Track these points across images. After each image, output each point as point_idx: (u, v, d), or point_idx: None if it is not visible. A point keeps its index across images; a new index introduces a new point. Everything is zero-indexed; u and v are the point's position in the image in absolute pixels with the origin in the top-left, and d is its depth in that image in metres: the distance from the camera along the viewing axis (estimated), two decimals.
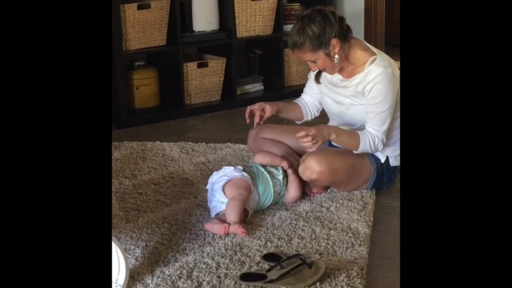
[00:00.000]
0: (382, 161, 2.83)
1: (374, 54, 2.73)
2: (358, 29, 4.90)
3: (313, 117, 3.07)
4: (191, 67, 4.29)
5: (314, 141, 2.60)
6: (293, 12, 4.71)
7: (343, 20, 2.69)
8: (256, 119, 2.92)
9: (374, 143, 2.69)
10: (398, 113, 2.76)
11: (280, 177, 2.75)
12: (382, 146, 2.72)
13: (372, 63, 2.69)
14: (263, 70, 4.74)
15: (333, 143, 2.84)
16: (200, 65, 4.33)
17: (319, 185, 2.82)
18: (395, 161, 2.85)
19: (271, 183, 2.70)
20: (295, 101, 3.09)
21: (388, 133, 2.75)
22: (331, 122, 2.94)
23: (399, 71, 2.75)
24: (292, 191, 2.75)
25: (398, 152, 2.84)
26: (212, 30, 4.35)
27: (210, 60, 4.39)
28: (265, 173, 2.73)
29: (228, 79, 4.45)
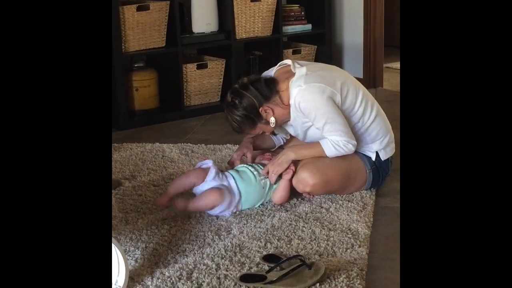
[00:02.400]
0: (374, 158, 2.83)
1: (293, 75, 2.73)
2: (357, 31, 4.91)
3: (284, 141, 3.07)
4: (190, 69, 4.29)
5: (275, 171, 2.72)
6: (292, 13, 4.71)
7: (258, 82, 2.72)
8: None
9: (338, 145, 2.68)
10: (365, 110, 2.76)
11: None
12: (353, 146, 2.69)
13: (291, 87, 2.70)
14: (262, 71, 4.67)
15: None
16: (199, 67, 4.33)
17: (315, 195, 2.82)
18: (385, 154, 2.85)
19: (252, 178, 2.73)
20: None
21: (364, 131, 2.78)
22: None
23: (327, 71, 2.77)
24: (278, 191, 2.76)
25: (385, 143, 2.84)
26: (211, 32, 4.35)
27: (210, 62, 4.38)
28: (247, 170, 2.76)
29: (228, 80, 4.44)
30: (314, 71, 2.74)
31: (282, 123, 2.83)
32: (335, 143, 2.68)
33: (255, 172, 2.77)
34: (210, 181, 2.69)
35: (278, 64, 2.86)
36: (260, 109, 2.69)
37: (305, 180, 2.71)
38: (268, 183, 2.75)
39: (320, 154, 2.73)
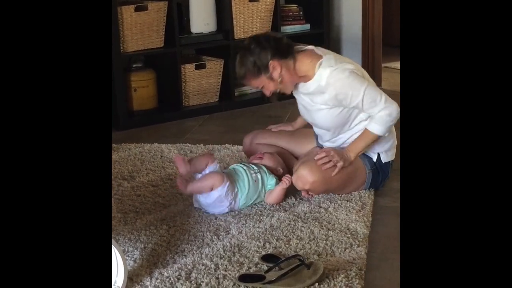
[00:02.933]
0: (374, 159, 2.83)
1: (320, 58, 2.73)
2: (355, 30, 4.91)
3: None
4: (189, 69, 4.28)
5: (334, 161, 2.72)
6: (291, 13, 4.71)
7: (279, 40, 2.74)
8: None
9: (386, 117, 2.66)
10: None
11: (255, 167, 2.81)
12: (396, 110, 2.66)
13: (319, 67, 2.70)
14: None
15: (323, 144, 2.91)
16: (198, 67, 4.33)
17: (315, 193, 2.82)
18: (386, 157, 2.85)
19: (245, 175, 2.75)
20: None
21: None
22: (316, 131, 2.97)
23: (352, 63, 2.78)
24: (272, 196, 2.77)
25: (388, 146, 2.84)
26: (209, 32, 4.35)
27: (208, 62, 4.38)
28: (238, 167, 2.79)
29: (226, 80, 4.44)
30: (342, 57, 2.81)
31: (282, 89, 2.77)
32: (380, 119, 2.66)
33: (245, 167, 2.79)
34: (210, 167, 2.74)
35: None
36: (270, 62, 2.67)
37: (305, 177, 2.71)
38: (259, 177, 2.77)
39: (374, 140, 2.73)
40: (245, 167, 2.80)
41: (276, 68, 2.68)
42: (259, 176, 2.77)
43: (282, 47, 2.71)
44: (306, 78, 2.73)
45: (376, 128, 2.69)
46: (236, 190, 2.70)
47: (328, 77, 2.66)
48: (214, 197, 2.65)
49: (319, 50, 2.78)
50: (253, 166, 2.83)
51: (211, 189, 2.65)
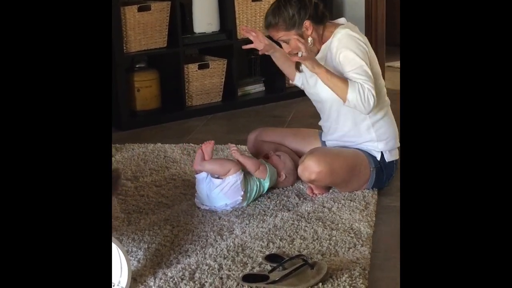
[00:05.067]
0: (378, 158, 2.83)
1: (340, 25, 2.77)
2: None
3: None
4: (192, 69, 4.29)
5: (302, 48, 2.61)
6: None
7: (318, 5, 2.77)
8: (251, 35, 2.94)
9: (364, 91, 2.58)
10: (382, 101, 2.78)
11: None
12: (373, 101, 2.59)
13: (337, 28, 2.74)
14: (264, 71, 4.73)
15: (324, 139, 2.90)
16: (201, 67, 4.33)
17: (319, 186, 2.82)
18: (390, 156, 2.85)
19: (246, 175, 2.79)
20: None
21: (372, 124, 2.79)
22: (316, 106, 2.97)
23: (369, 46, 2.77)
24: (250, 169, 2.80)
25: (391, 145, 2.84)
26: (212, 32, 4.35)
27: (211, 62, 4.38)
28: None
29: (229, 80, 4.44)
30: (363, 35, 2.80)
31: (306, 51, 2.69)
32: (361, 87, 2.59)
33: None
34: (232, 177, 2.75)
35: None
36: (306, 22, 2.70)
37: (311, 167, 2.71)
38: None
39: (341, 90, 2.62)
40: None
41: (308, 29, 2.72)
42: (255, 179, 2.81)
43: (319, 12, 2.75)
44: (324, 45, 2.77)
45: (351, 94, 2.59)
46: (243, 191, 2.72)
47: (342, 34, 2.69)
48: (230, 184, 2.67)
49: (346, 22, 2.82)
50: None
51: (227, 174, 2.67)
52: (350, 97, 2.59)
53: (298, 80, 3.00)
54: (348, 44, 2.67)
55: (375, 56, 2.83)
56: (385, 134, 2.82)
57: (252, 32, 2.91)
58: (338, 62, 2.68)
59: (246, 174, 2.77)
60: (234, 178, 2.68)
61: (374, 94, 2.60)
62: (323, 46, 2.77)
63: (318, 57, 2.75)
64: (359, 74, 2.62)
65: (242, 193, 2.69)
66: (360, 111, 2.65)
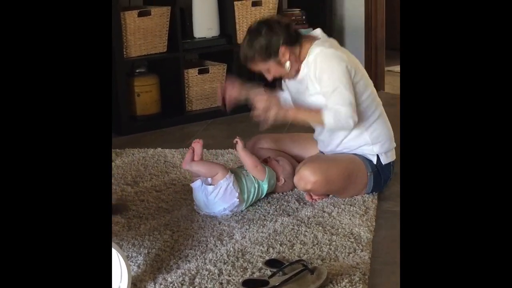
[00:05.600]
0: (375, 162, 2.83)
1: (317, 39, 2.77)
2: (358, 33, 4.91)
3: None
4: (192, 73, 4.29)
5: (270, 115, 2.66)
6: (293, 18, 4.71)
7: (289, 26, 2.77)
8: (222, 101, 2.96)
9: (339, 117, 2.63)
10: (370, 105, 2.79)
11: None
12: (353, 123, 2.65)
13: (311, 46, 2.73)
14: (263, 76, 4.72)
15: (322, 150, 2.91)
16: (201, 71, 4.33)
17: (316, 194, 2.82)
18: (386, 159, 2.85)
19: (239, 173, 2.80)
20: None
21: (366, 129, 2.78)
22: None
23: (347, 54, 2.78)
24: (248, 167, 2.81)
25: (386, 147, 2.84)
26: (212, 36, 4.35)
27: (211, 66, 4.39)
28: (235, 169, 2.86)
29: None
30: (338, 46, 2.82)
31: (286, 75, 2.81)
32: (337, 114, 2.64)
33: (238, 167, 2.87)
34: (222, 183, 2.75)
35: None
36: (281, 48, 2.69)
37: (307, 177, 2.71)
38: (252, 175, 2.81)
39: (317, 122, 2.71)
40: (237, 167, 2.89)
41: (285, 54, 2.71)
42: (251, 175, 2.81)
43: (292, 34, 2.74)
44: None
45: (328, 119, 2.65)
46: (237, 195, 2.72)
47: (317, 53, 2.69)
48: (223, 188, 2.67)
49: (322, 34, 2.81)
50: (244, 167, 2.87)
51: (213, 176, 2.68)
52: (328, 123, 2.68)
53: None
54: (323, 64, 2.67)
55: (357, 61, 2.85)
56: (380, 137, 2.82)
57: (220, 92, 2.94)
58: (316, 82, 2.70)
59: (242, 176, 2.78)
60: (225, 182, 2.68)
61: (352, 114, 2.64)
62: (302, 65, 2.76)
63: (298, 77, 2.78)
64: (333, 99, 2.64)
65: (237, 194, 2.69)
66: (345, 130, 2.72)
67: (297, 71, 2.77)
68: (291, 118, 2.74)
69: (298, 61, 2.75)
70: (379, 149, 2.82)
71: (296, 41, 2.74)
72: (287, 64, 2.72)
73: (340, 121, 2.65)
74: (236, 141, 2.83)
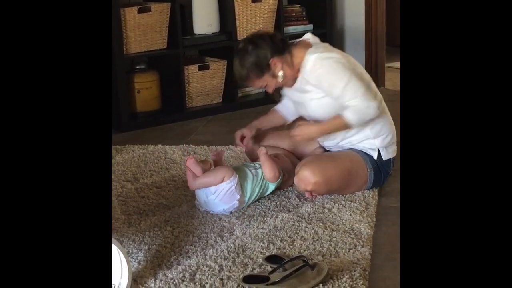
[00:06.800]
0: (375, 157, 2.83)
1: (310, 46, 2.77)
2: (358, 30, 4.91)
3: (296, 116, 3.06)
4: (192, 70, 4.29)
5: (302, 137, 2.81)
6: (294, 14, 4.71)
7: (274, 36, 2.79)
8: (243, 148, 3.07)
9: (358, 108, 2.65)
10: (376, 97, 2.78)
11: (256, 164, 2.85)
12: (374, 108, 2.67)
13: (306, 55, 2.73)
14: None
15: (325, 145, 2.92)
16: (201, 68, 4.33)
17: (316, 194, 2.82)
18: (386, 154, 2.85)
19: (245, 169, 2.79)
20: (274, 108, 3.13)
21: (371, 121, 2.77)
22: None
23: (342, 54, 2.80)
24: (266, 173, 2.78)
25: (388, 141, 2.84)
26: (212, 33, 4.35)
27: (211, 63, 4.39)
28: (240, 166, 2.84)
29: (230, 81, 4.44)
30: (332, 48, 2.83)
31: (285, 85, 2.83)
32: (355, 108, 2.65)
33: (245, 164, 2.86)
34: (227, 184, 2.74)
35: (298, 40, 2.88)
36: (271, 61, 2.71)
37: (307, 178, 2.71)
38: (259, 172, 2.79)
39: (342, 126, 2.72)
40: (244, 164, 2.87)
41: (277, 65, 2.72)
42: (259, 172, 2.79)
43: (278, 43, 2.75)
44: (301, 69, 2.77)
45: (350, 116, 2.67)
46: (240, 193, 2.71)
47: (313, 62, 2.69)
48: (225, 190, 2.66)
49: (313, 38, 2.83)
50: (252, 163, 2.87)
51: (222, 181, 2.66)
52: (352, 121, 2.68)
53: (292, 116, 3.05)
54: (323, 70, 2.68)
55: (354, 60, 2.85)
56: (382, 130, 2.81)
57: (240, 143, 3.02)
58: (324, 88, 2.70)
59: (251, 174, 2.76)
60: (228, 185, 2.66)
61: (368, 98, 2.65)
62: (300, 73, 2.75)
63: (295, 86, 2.79)
64: (346, 97, 2.65)
65: (238, 197, 2.69)
66: (371, 118, 2.72)
67: (294, 78, 2.77)
68: (318, 134, 2.81)
69: (292, 68, 2.75)
70: (380, 143, 2.82)
71: (284, 50, 2.74)
72: (280, 73, 2.73)
73: (362, 113, 2.66)
74: (262, 152, 2.81)
